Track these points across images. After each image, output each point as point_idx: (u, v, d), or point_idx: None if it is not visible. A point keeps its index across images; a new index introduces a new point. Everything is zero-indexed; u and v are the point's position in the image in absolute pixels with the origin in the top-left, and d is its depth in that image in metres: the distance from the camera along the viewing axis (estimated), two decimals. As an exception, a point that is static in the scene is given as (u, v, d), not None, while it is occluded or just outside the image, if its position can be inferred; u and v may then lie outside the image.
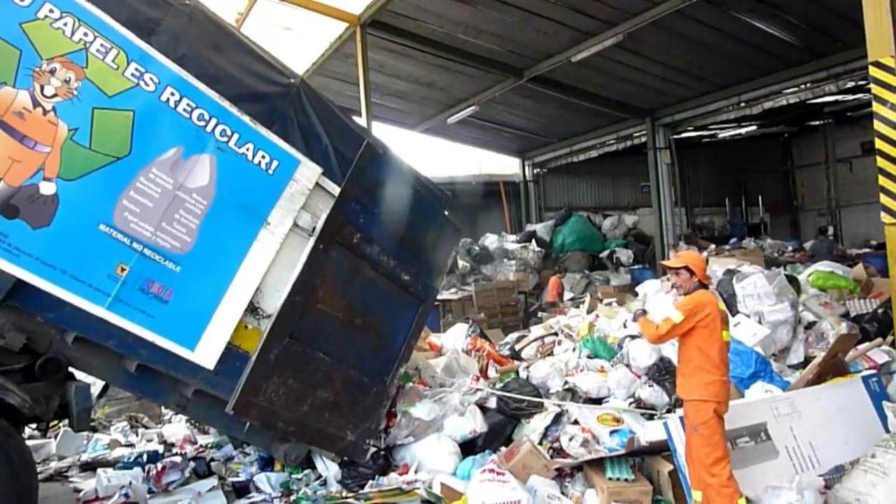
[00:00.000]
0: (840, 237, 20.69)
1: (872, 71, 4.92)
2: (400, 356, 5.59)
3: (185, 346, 4.45)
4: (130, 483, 5.17)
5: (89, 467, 5.96)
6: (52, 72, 4.03)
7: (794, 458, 4.98)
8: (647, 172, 17.27)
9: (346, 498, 4.88)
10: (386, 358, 5.49)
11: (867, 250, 15.08)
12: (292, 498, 5.06)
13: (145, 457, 5.90)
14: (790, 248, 15.35)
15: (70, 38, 4.08)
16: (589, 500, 4.71)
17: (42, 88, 4.01)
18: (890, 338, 6.54)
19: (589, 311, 9.45)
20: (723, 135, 20.61)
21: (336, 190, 5.08)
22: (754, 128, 19.95)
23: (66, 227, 4.05)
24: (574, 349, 7.47)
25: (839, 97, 15.84)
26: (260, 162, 4.74)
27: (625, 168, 21.17)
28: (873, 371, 6.08)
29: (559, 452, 5.56)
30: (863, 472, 4.58)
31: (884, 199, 4.94)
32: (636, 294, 9.61)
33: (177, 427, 7.03)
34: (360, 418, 5.24)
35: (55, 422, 5.49)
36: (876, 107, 4.99)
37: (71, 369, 4.38)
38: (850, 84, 13.00)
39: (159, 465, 5.58)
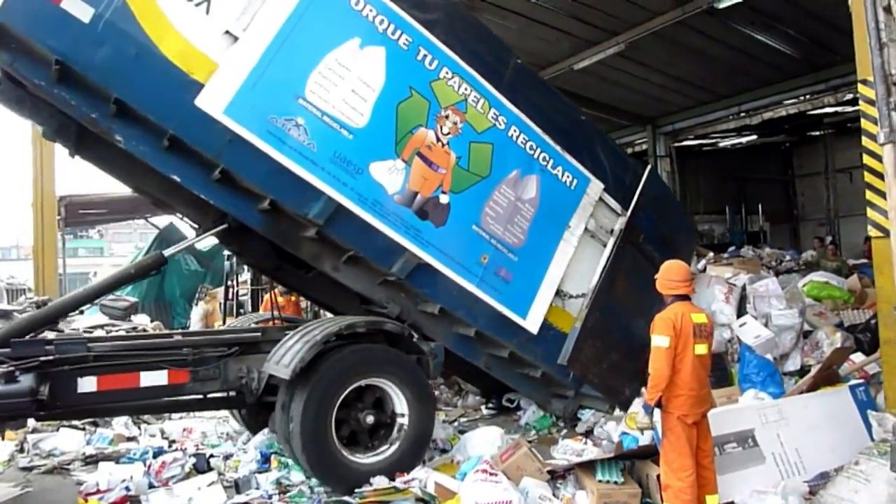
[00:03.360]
0: (839, 247, 20.68)
1: (861, 89, 5.03)
2: None
3: (519, 315, 5.93)
4: (131, 477, 5.28)
5: (92, 461, 6.06)
6: (447, 117, 5.55)
7: (780, 465, 5.08)
8: (647, 180, 17.30)
9: (343, 496, 4.98)
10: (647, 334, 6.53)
11: (864, 261, 15.11)
12: (288, 495, 5.15)
13: (151, 452, 6.01)
14: (788, 257, 15.36)
15: (457, 92, 5.60)
16: (580, 502, 4.82)
17: (441, 128, 5.53)
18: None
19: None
20: (723, 144, 20.67)
21: (611, 202, 6.56)
22: (755, 137, 20.01)
23: (454, 227, 5.63)
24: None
25: (838, 108, 15.90)
26: (565, 180, 6.20)
27: (626, 175, 21.23)
28: (862, 381, 6.19)
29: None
30: (846, 478, 4.68)
31: (871, 213, 5.04)
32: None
33: (177, 424, 7.15)
34: (631, 379, 6.31)
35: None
36: (864, 123, 5.10)
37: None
38: (849, 96, 13.06)
39: (160, 460, 5.68)
